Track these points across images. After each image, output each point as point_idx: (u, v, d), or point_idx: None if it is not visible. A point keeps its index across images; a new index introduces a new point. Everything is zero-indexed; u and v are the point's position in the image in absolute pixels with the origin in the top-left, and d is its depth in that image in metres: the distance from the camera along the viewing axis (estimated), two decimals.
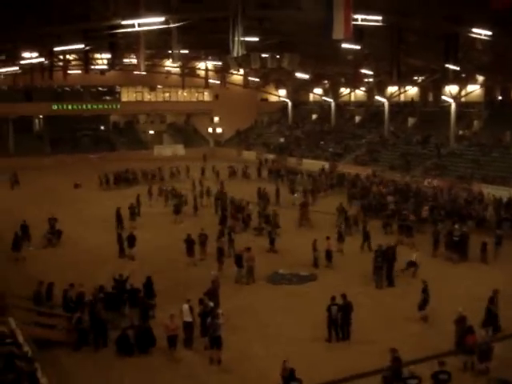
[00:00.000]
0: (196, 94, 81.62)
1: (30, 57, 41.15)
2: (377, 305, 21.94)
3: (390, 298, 22.72)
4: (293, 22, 32.58)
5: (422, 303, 20.12)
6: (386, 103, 62.02)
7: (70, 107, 72.68)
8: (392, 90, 63.91)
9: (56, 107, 71.36)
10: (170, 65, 66.95)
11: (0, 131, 69.93)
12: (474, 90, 56.34)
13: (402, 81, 55.11)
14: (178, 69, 69.92)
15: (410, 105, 65.60)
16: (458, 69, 39.55)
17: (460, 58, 30.37)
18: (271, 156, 65.57)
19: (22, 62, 44.62)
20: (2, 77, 62.83)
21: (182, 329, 18.55)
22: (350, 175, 50.26)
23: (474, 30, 28.31)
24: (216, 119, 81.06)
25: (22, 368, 12.99)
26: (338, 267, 26.28)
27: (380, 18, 24.21)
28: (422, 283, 20.57)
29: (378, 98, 63.25)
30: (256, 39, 33.31)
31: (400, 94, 64.75)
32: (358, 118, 71.12)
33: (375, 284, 23.99)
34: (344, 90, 71.72)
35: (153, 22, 22.73)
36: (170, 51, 32.73)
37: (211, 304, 19.04)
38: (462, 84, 53.90)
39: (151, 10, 21.74)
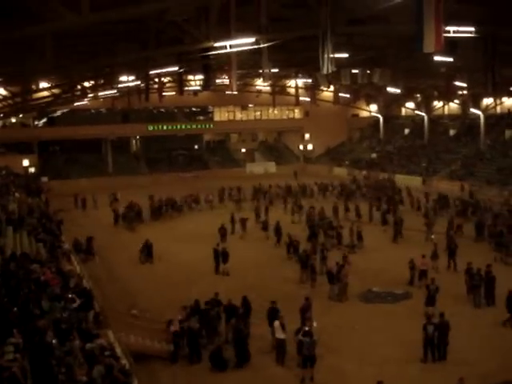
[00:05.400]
0: (286, 112, 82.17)
1: (127, 80, 42.75)
2: (475, 325, 21.17)
3: (489, 317, 21.88)
4: (383, 36, 32.25)
5: None
6: (482, 116, 60.13)
7: (164, 128, 74.78)
8: (487, 101, 61.90)
9: (152, 128, 73.74)
10: (260, 84, 67.83)
11: (99, 151, 73.14)
12: None
13: (498, 92, 53.27)
14: (268, 87, 70.73)
15: (507, 117, 63.26)
16: None
17: None
18: (364, 172, 64.97)
19: (120, 85, 46.51)
20: (101, 100, 65.71)
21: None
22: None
23: None
24: (307, 136, 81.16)
25: (119, 380, 13.43)
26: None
27: (473, 29, 23.53)
28: None
29: (472, 110, 61.46)
30: (346, 55, 33.15)
31: (496, 105, 62.61)
32: (452, 132, 69.28)
33: (473, 303, 23.24)
34: (437, 104, 70.14)
35: (244, 42, 23.09)
36: (260, 70, 33.19)
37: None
38: None
39: (242, 31, 22.10)
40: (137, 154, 77.19)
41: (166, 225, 42.65)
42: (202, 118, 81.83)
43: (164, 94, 58.33)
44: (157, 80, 52.63)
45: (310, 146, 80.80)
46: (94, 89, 49.89)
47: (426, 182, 57.33)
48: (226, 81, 44.24)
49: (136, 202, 45.18)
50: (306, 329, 17.80)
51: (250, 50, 25.71)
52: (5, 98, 48.39)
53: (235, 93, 49.65)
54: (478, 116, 60.96)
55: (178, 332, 19.14)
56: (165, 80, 56.77)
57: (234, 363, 18.57)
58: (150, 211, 45.31)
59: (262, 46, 25.30)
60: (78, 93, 50.12)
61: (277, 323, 18.85)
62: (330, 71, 20.10)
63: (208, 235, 34.97)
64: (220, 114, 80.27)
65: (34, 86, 48.12)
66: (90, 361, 13.92)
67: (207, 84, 34.99)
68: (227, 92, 57.35)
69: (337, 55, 24.80)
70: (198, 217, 45.44)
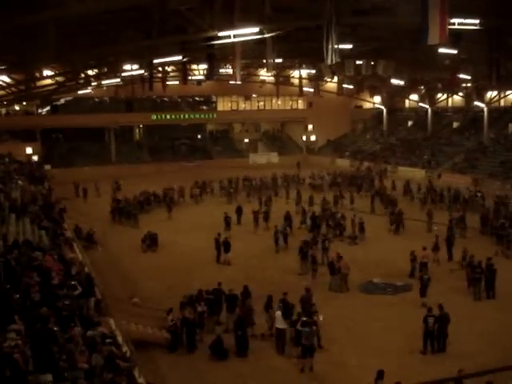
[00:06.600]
0: (290, 103, 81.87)
1: (131, 69, 42.70)
2: (475, 317, 21.23)
3: (489, 310, 21.96)
4: (387, 27, 32.17)
5: None
6: (485, 108, 59.97)
7: (168, 117, 74.61)
8: (491, 94, 61.72)
9: (155, 117, 73.55)
10: (264, 74, 67.68)
11: (103, 140, 73.13)
12: None
13: (502, 85, 53.08)
14: (272, 78, 70.57)
15: (510, 110, 63.05)
16: None
17: None
18: (366, 164, 64.97)
19: (123, 74, 46.45)
20: (105, 88, 65.64)
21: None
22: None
23: None
24: (310, 127, 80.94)
25: (120, 368, 13.51)
26: (433, 278, 25.60)
27: (477, 21, 23.46)
28: None
29: (476, 103, 61.28)
30: (350, 46, 33.08)
31: (500, 98, 62.41)
32: (455, 125, 69.13)
33: (473, 296, 23.29)
34: (441, 96, 69.96)
35: (248, 32, 23.05)
36: (264, 61, 33.14)
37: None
38: None
39: (246, 21, 22.04)
40: (140, 142, 77.14)
41: (158, 217, 41.86)
42: (205, 107, 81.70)
43: (167, 83, 58.37)
44: (160, 69, 52.57)
45: (312, 137, 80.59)
46: (97, 77, 49.80)
47: (440, 176, 56.12)
48: (230, 70, 44.31)
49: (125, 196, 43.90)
50: (304, 319, 17.87)
51: (254, 40, 25.70)
52: (8, 85, 48.40)
53: (239, 83, 49.60)
54: (482, 109, 60.75)
55: (174, 321, 19.26)
56: (168, 69, 56.67)
57: (233, 352, 18.67)
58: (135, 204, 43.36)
59: (266, 36, 25.28)
60: (82, 81, 50.06)
61: (278, 313, 18.93)
62: (333, 62, 20.07)
63: (206, 226, 35.12)
64: (223, 104, 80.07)
65: (37, 74, 48.09)
66: (91, 348, 14.01)
67: (211, 73, 34.97)
68: (231, 82, 57.15)
69: (341, 46, 24.76)
70: (188, 210, 44.91)
